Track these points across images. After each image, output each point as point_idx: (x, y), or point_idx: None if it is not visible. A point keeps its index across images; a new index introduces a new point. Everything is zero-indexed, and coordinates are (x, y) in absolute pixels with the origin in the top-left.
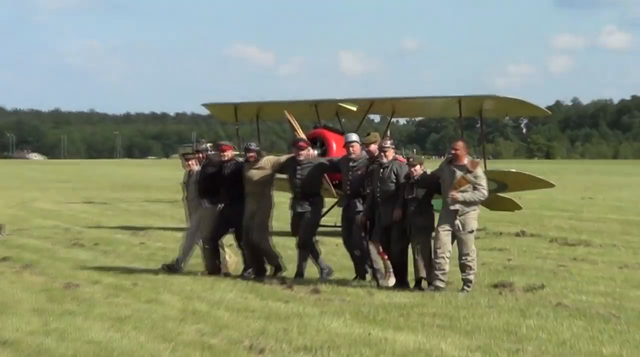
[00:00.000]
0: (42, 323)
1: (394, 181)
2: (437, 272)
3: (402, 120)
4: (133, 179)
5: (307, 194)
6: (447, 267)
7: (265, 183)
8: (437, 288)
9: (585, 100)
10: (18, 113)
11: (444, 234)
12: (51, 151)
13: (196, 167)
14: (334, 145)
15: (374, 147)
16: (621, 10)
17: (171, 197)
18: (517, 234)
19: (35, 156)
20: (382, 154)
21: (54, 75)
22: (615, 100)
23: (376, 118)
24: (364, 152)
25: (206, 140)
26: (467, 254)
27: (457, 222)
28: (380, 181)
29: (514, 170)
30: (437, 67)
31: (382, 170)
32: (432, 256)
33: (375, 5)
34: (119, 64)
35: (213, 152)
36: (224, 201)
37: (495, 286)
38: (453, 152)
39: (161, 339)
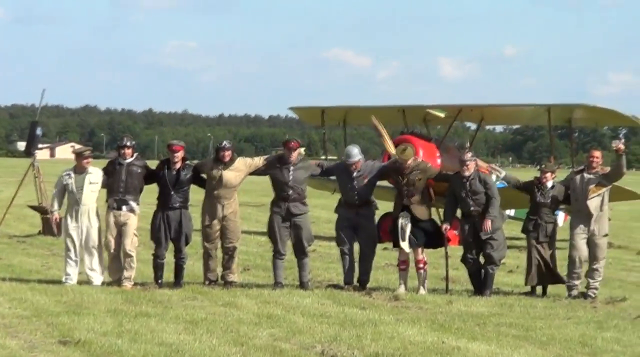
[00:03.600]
0: (116, 324)
1: (484, 191)
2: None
3: (498, 128)
4: None
5: (301, 196)
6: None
7: (237, 186)
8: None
9: None
10: (111, 113)
11: (582, 242)
12: (143, 152)
13: (90, 168)
14: (421, 152)
15: (409, 163)
16: None
17: (258, 200)
18: None
19: None
20: (465, 167)
21: (147, 75)
22: None
23: (471, 125)
24: (365, 161)
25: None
26: (601, 258)
27: (593, 227)
28: (472, 193)
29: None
30: (538, 74)
31: (468, 183)
32: (583, 264)
33: (476, 11)
34: (214, 64)
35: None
36: (165, 205)
37: (580, 297)
38: (594, 160)
39: (233, 342)
